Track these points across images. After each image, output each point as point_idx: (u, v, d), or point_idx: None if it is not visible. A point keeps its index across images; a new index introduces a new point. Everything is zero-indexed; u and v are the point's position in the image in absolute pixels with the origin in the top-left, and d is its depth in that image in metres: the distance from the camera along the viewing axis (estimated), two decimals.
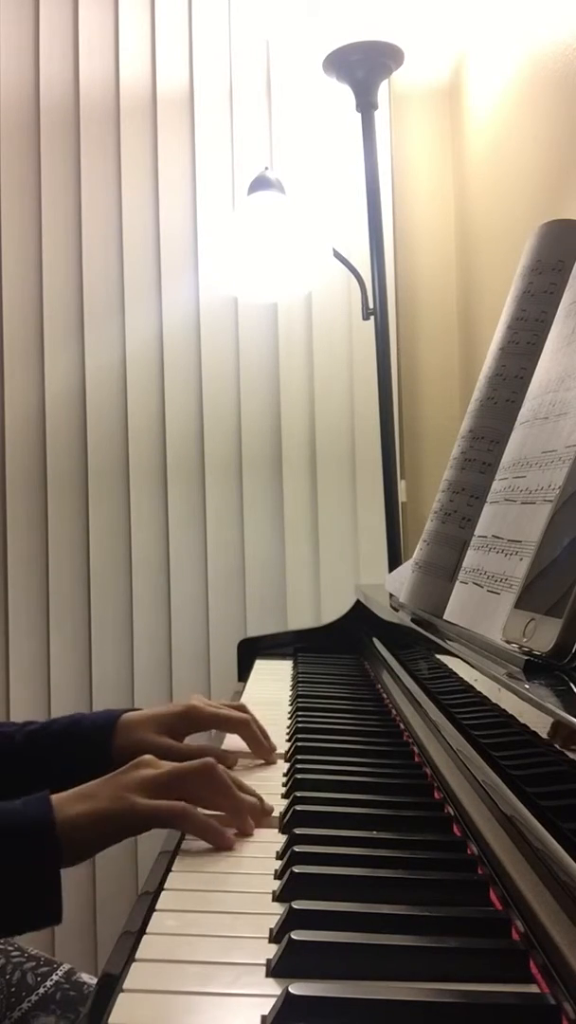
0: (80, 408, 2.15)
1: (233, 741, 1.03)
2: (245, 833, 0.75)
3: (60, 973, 0.98)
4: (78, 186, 2.16)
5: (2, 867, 0.69)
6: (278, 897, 0.61)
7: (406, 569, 1.21)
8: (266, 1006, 0.47)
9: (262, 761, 0.99)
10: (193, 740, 1.03)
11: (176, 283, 2.14)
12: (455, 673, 0.82)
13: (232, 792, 0.76)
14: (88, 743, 1.00)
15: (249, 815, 0.76)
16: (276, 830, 0.75)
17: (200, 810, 0.73)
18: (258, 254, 1.89)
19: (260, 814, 0.77)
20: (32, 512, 2.15)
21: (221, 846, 0.71)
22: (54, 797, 0.73)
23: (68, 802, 0.73)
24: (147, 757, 0.78)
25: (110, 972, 0.52)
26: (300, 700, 1.25)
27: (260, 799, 0.79)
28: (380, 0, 1.80)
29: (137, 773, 0.75)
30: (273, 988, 0.49)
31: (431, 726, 0.93)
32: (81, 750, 1.00)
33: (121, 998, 0.49)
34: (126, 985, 0.50)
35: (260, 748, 0.99)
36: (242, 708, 1.04)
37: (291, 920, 0.55)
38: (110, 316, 2.15)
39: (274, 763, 0.98)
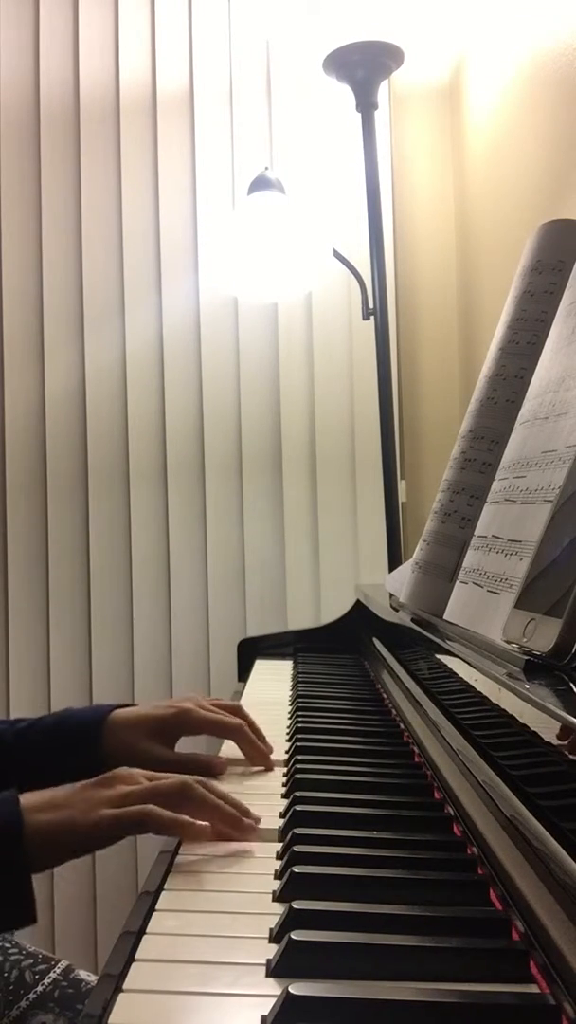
0: (80, 408, 2.15)
1: (232, 746, 1.02)
2: (241, 836, 0.73)
3: (58, 971, 0.98)
4: (78, 186, 2.16)
5: None
6: (278, 897, 0.61)
7: (406, 569, 1.21)
8: (266, 1006, 0.47)
9: (260, 767, 0.98)
10: (187, 744, 1.02)
11: (176, 283, 2.14)
12: (455, 673, 0.82)
13: (213, 808, 0.74)
14: (76, 741, 0.99)
15: (233, 825, 0.74)
16: (274, 842, 0.74)
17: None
18: (258, 254, 1.89)
19: (244, 826, 0.74)
20: (32, 511, 2.15)
21: (195, 837, 0.70)
22: (24, 799, 0.71)
23: (37, 808, 0.71)
24: (123, 771, 0.76)
25: (110, 972, 0.52)
26: (300, 700, 1.25)
27: (246, 811, 0.76)
28: (380, 0, 1.80)
29: (111, 789, 0.73)
30: (273, 988, 0.49)
31: (431, 726, 0.93)
32: (69, 748, 0.99)
33: (121, 998, 0.49)
34: (126, 985, 0.50)
35: (256, 753, 0.97)
36: (237, 709, 1.03)
37: (291, 920, 0.55)
38: (110, 316, 2.15)
39: (271, 769, 0.97)
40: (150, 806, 0.71)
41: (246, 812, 0.76)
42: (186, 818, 0.71)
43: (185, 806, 0.74)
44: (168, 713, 1.00)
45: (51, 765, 0.99)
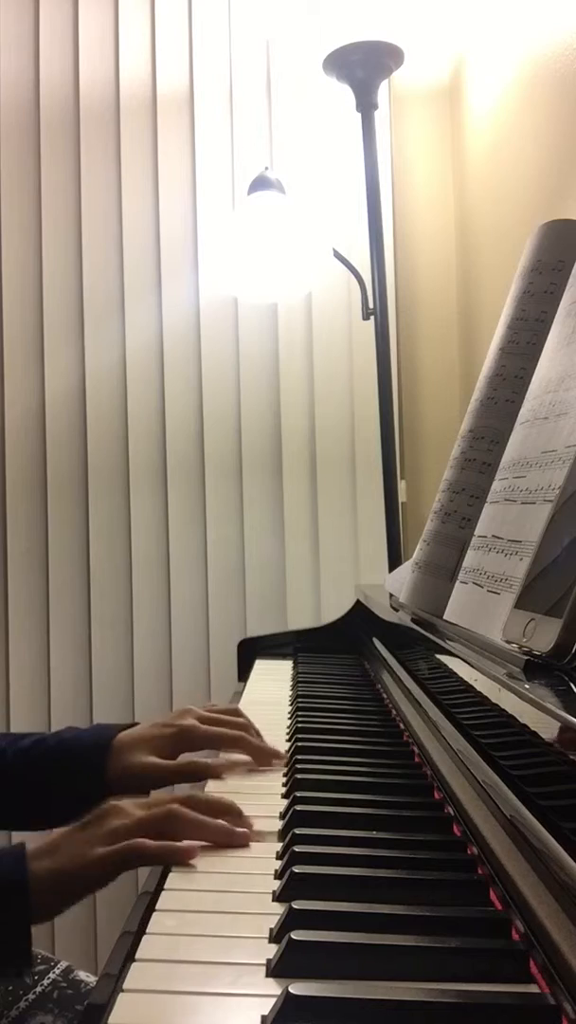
0: (80, 408, 2.15)
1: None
2: (233, 845, 0.73)
3: (58, 971, 0.98)
4: (78, 186, 2.16)
5: None
6: (278, 897, 0.61)
7: (406, 569, 1.21)
8: (266, 1006, 0.47)
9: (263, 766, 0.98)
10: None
11: (176, 283, 2.14)
12: (455, 673, 0.82)
13: (201, 827, 0.73)
14: (82, 766, 0.99)
15: (225, 840, 0.73)
16: (274, 844, 0.74)
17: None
18: (258, 254, 1.89)
19: (236, 838, 0.73)
20: (32, 512, 2.15)
21: (184, 861, 0.69)
22: (28, 851, 0.72)
23: (38, 857, 0.71)
24: (114, 806, 0.76)
25: (110, 972, 0.52)
26: (300, 700, 1.25)
27: (239, 812, 0.76)
28: (380, 0, 1.80)
29: (102, 827, 0.73)
30: (273, 988, 0.49)
31: (431, 726, 0.93)
32: (75, 772, 0.99)
33: (121, 998, 0.49)
34: (126, 985, 0.50)
35: (261, 757, 0.97)
36: (236, 712, 1.03)
37: (291, 920, 0.55)
38: (110, 316, 2.15)
39: (272, 765, 0.97)
40: (137, 841, 0.71)
41: (239, 814, 0.76)
42: (172, 845, 0.70)
43: (175, 833, 0.73)
44: (170, 732, 1.00)
45: (56, 788, 0.99)
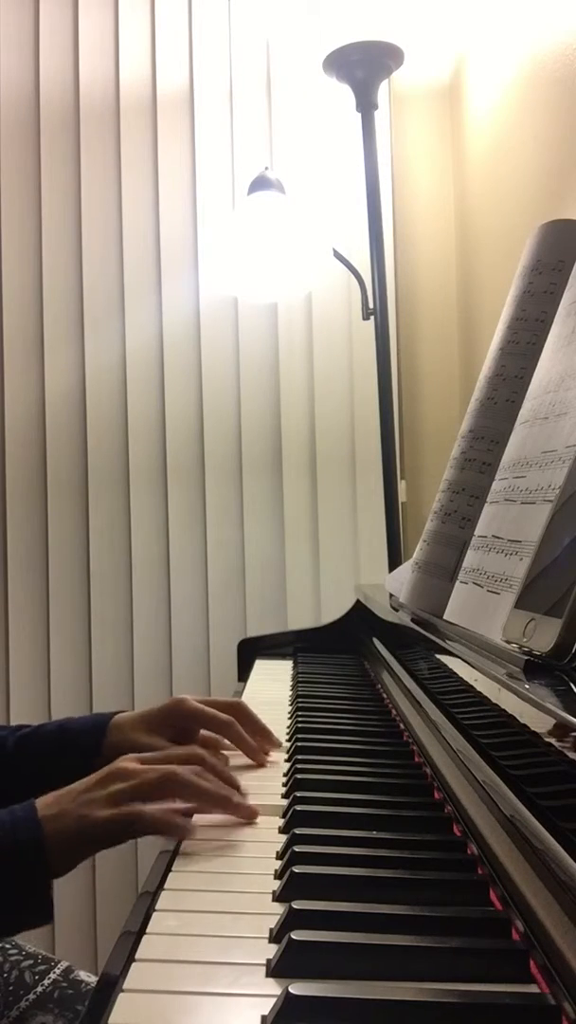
0: (80, 408, 2.15)
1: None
2: (236, 814, 0.76)
3: (58, 971, 0.98)
4: (78, 186, 2.16)
5: None
6: (278, 897, 0.61)
7: (406, 569, 1.21)
8: (266, 1006, 0.47)
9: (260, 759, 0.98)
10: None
11: (176, 283, 2.14)
12: (455, 673, 0.82)
13: (200, 794, 0.76)
14: (79, 746, 1.00)
15: (223, 806, 0.76)
16: (276, 830, 0.75)
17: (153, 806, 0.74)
18: (258, 254, 1.89)
19: (235, 805, 0.77)
20: (32, 512, 2.15)
21: (181, 836, 0.72)
22: (39, 809, 0.74)
23: (51, 818, 0.74)
24: (119, 765, 0.78)
25: (110, 972, 0.52)
26: (300, 700, 1.25)
27: (237, 786, 0.80)
28: (380, 0, 1.80)
29: (105, 788, 0.76)
30: (273, 988, 0.49)
31: (431, 726, 0.93)
32: (72, 753, 1.00)
33: (121, 998, 0.49)
34: (126, 985, 0.50)
35: (248, 750, 0.98)
36: (238, 705, 1.03)
37: (291, 920, 0.55)
38: (110, 316, 2.15)
39: (263, 765, 0.97)
40: (137, 808, 0.73)
41: (237, 788, 0.79)
42: (171, 819, 0.73)
43: (175, 795, 0.76)
44: (161, 705, 1.02)
45: (53, 769, 0.99)
